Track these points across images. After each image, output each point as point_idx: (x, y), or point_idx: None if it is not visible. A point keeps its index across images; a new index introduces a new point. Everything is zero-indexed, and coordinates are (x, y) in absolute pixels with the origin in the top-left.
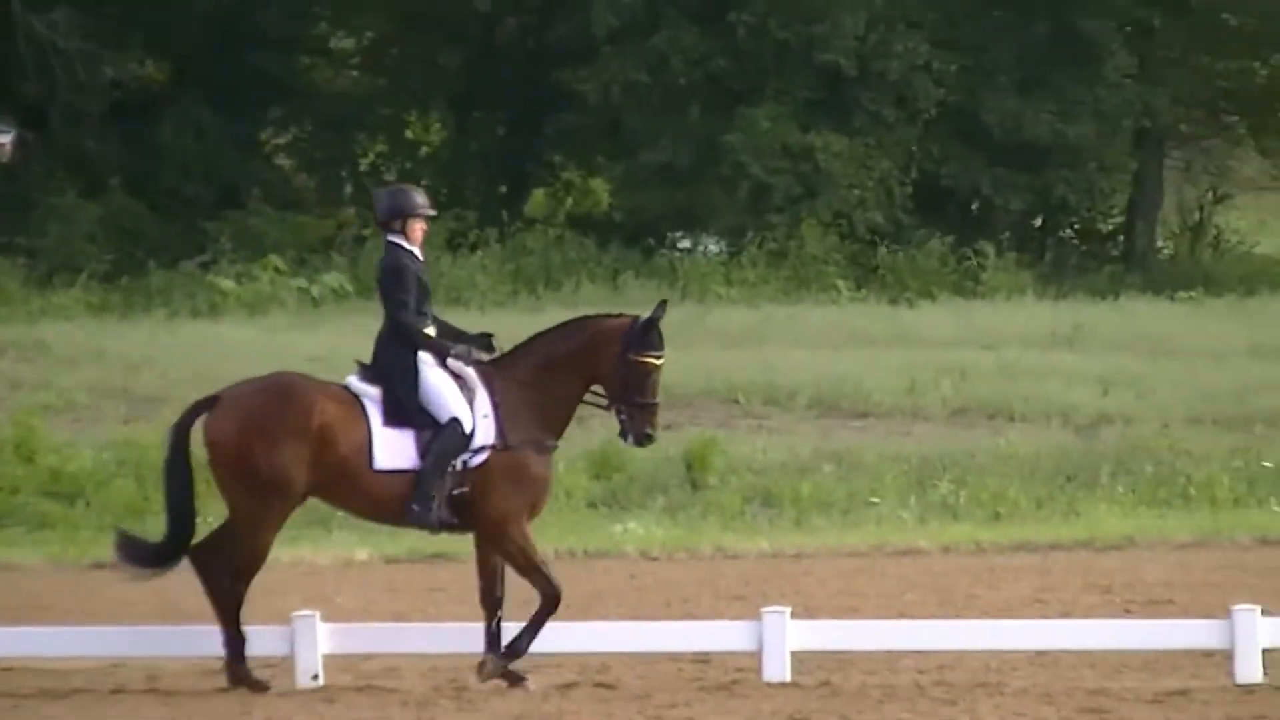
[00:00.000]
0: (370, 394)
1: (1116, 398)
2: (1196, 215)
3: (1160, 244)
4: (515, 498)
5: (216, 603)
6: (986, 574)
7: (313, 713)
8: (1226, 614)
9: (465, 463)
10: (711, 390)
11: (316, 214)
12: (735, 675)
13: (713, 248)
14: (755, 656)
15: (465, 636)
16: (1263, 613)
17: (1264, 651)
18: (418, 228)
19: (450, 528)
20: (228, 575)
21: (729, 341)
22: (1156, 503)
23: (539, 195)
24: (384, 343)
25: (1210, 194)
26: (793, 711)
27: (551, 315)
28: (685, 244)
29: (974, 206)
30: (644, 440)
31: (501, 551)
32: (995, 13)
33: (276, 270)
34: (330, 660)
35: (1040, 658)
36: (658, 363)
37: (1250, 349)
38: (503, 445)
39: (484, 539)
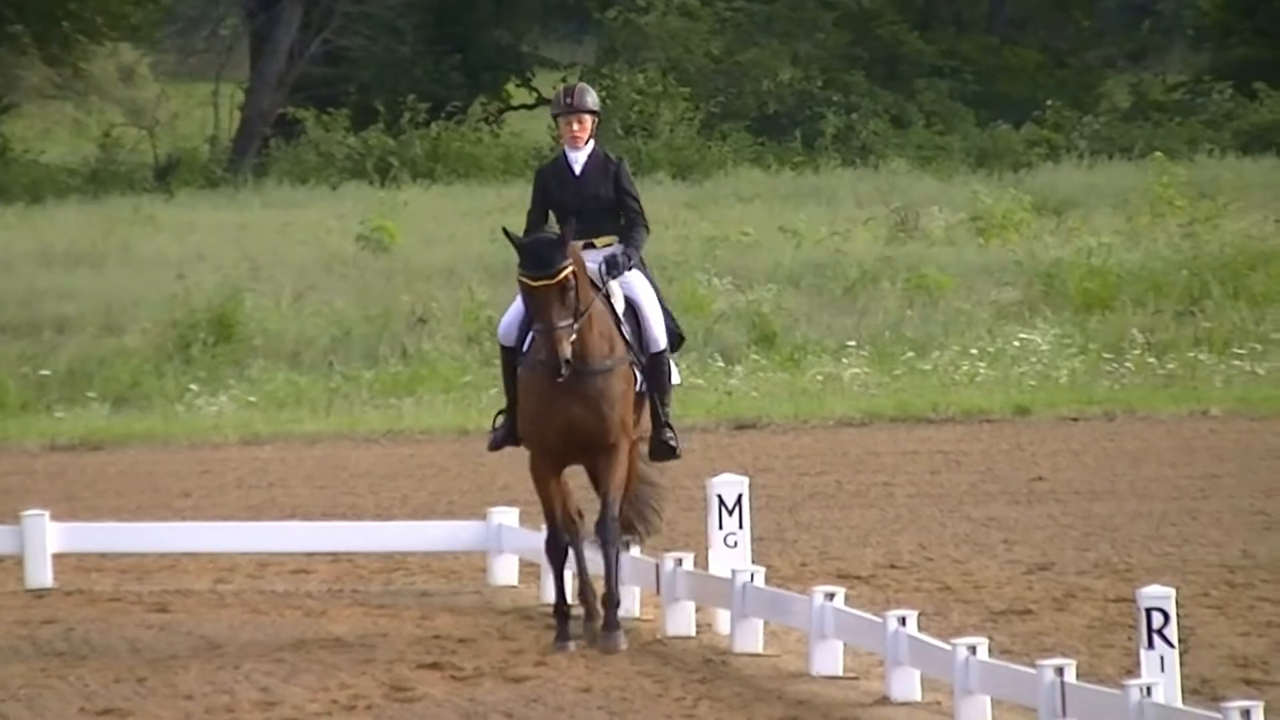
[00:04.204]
0: None
1: None
2: None
3: None
4: (524, 420)
5: None
6: None
7: None
8: (17, 520)
9: None
10: None
11: None
12: None
13: None
14: None
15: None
16: (51, 518)
17: (54, 556)
18: (565, 126)
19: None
20: None
21: None
22: None
23: None
24: None
25: None
26: None
27: None
28: None
29: None
30: (541, 366)
31: None
32: None
33: None
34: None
35: None
36: (532, 285)
37: (38, 256)
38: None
39: None
